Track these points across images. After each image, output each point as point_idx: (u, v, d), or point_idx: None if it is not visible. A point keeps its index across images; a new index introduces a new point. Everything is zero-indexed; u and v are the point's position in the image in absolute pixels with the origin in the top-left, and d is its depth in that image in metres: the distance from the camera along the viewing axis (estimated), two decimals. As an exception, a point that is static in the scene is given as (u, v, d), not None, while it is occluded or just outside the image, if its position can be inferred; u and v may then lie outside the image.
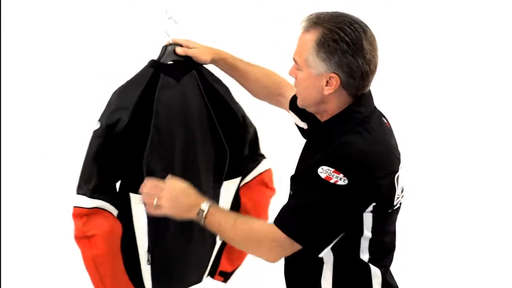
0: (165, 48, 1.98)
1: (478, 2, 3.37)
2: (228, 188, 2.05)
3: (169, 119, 1.88)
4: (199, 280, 2.08)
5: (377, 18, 3.18)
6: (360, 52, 1.67)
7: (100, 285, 1.82)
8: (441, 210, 3.43)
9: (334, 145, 1.67)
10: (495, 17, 3.38)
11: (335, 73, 1.68)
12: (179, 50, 1.95)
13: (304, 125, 1.98)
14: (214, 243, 2.05)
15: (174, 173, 1.82)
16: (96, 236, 1.77)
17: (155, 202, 1.71)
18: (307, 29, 1.72)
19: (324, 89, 1.71)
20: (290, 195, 1.80)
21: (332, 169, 1.61)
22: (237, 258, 2.14)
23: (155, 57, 1.97)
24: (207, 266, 2.07)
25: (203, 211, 1.70)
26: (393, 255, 1.85)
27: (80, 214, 1.76)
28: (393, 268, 1.86)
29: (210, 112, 1.95)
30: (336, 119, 1.75)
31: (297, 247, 1.66)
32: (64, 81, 3.19)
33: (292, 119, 2.05)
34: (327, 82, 1.70)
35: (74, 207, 1.77)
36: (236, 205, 2.10)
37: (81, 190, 1.77)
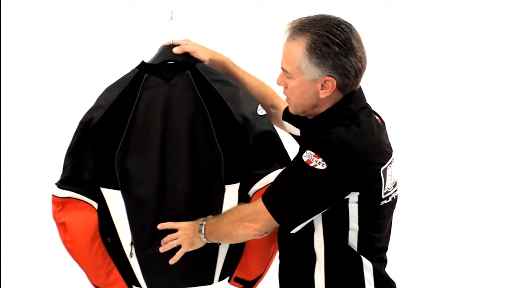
0: (162, 48, 2.00)
1: (477, 4, 3.36)
2: (230, 194, 1.97)
3: (148, 118, 1.93)
4: (206, 280, 2.05)
5: (377, 20, 3.21)
6: (351, 52, 1.69)
7: (83, 269, 1.99)
8: (438, 207, 3.42)
9: (320, 134, 1.72)
10: (494, 19, 3.37)
11: (330, 76, 1.70)
12: (176, 50, 1.97)
13: (299, 133, 1.98)
14: (216, 244, 1.98)
15: (151, 171, 1.92)
16: (66, 224, 1.92)
17: (174, 243, 1.91)
18: (292, 36, 1.73)
19: (320, 93, 1.73)
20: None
21: (313, 153, 1.66)
22: (251, 268, 2.05)
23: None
24: (213, 268, 2.03)
25: (201, 225, 1.87)
26: (385, 255, 1.86)
27: (55, 202, 1.92)
28: (392, 267, 1.87)
29: (206, 112, 1.93)
30: (324, 115, 1.78)
31: (274, 222, 1.74)
32: (65, 82, 3.19)
33: (286, 129, 2.06)
34: (322, 85, 1.72)
35: (52, 195, 1.93)
36: None
37: (57, 180, 1.93)
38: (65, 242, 1.94)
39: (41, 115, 3.20)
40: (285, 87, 1.81)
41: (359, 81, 1.77)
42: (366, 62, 1.74)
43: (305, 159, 1.67)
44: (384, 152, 1.75)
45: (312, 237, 1.77)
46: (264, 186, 1.93)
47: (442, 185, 3.41)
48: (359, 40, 1.72)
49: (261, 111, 1.96)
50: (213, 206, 1.96)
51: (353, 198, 1.71)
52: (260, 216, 1.75)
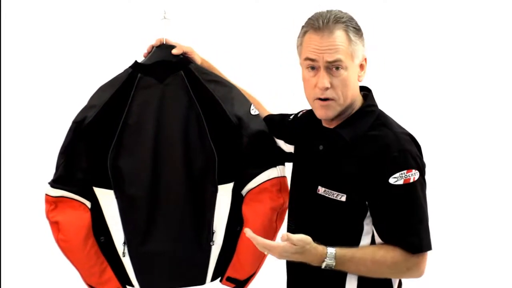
0: (155, 48, 2.00)
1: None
2: (224, 194, 1.97)
3: (141, 118, 1.93)
4: (198, 280, 2.05)
5: (375, 15, 3.19)
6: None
7: (76, 268, 1.98)
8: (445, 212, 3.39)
9: (380, 151, 1.65)
10: (493, 14, 3.35)
11: (363, 53, 1.73)
12: (175, 51, 1.97)
13: (287, 147, 1.96)
14: (208, 244, 1.99)
15: (143, 171, 1.92)
16: (59, 223, 1.92)
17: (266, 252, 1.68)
18: (330, 30, 1.67)
19: (359, 77, 1.73)
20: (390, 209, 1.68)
21: (405, 171, 1.62)
22: (243, 267, 2.03)
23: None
24: (205, 268, 2.03)
25: (332, 263, 1.63)
26: None
27: (48, 201, 1.93)
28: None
29: (199, 112, 1.93)
30: (354, 118, 1.73)
31: (427, 256, 1.67)
32: (58, 82, 3.20)
33: None
34: (360, 67, 1.72)
35: (45, 194, 1.93)
36: (235, 213, 1.99)
37: (50, 180, 1.92)
38: (58, 241, 1.95)
39: (33, 114, 3.20)
40: (328, 88, 1.68)
41: None
42: None
43: (401, 182, 1.62)
44: None
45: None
46: (258, 185, 1.94)
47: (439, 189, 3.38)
48: None
49: (254, 111, 1.96)
50: (206, 206, 1.97)
51: None
52: (418, 261, 1.65)
